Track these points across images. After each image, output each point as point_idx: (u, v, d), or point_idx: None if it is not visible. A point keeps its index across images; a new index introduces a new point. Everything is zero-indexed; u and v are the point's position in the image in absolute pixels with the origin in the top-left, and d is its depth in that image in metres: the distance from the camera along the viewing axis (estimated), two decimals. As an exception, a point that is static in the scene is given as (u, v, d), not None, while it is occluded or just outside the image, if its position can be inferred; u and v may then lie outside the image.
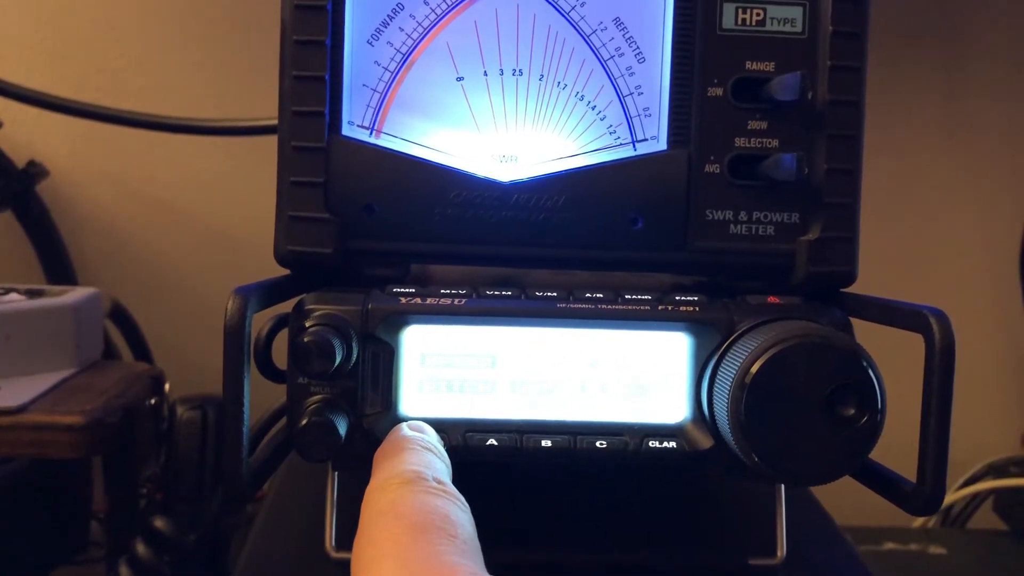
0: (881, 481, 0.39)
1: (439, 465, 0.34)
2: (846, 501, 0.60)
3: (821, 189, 0.43)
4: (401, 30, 0.44)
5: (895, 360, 0.46)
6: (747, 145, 0.44)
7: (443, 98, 0.44)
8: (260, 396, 0.39)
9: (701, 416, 0.40)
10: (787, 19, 0.44)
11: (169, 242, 0.93)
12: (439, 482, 0.32)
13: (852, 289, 0.44)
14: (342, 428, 0.38)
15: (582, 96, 0.44)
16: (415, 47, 0.44)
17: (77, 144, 0.91)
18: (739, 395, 0.36)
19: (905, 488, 0.38)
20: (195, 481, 0.64)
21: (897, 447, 0.41)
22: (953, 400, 0.36)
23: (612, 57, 0.44)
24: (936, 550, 0.78)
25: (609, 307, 0.40)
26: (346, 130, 0.43)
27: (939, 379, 0.36)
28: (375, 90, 0.44)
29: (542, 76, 0.44)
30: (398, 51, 0.44)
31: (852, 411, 0.36)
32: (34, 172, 0.86)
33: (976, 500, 0.89)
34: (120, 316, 0.82)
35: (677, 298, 0.41)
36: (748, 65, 0.44)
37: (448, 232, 0.43)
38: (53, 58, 0.90)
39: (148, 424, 0.66)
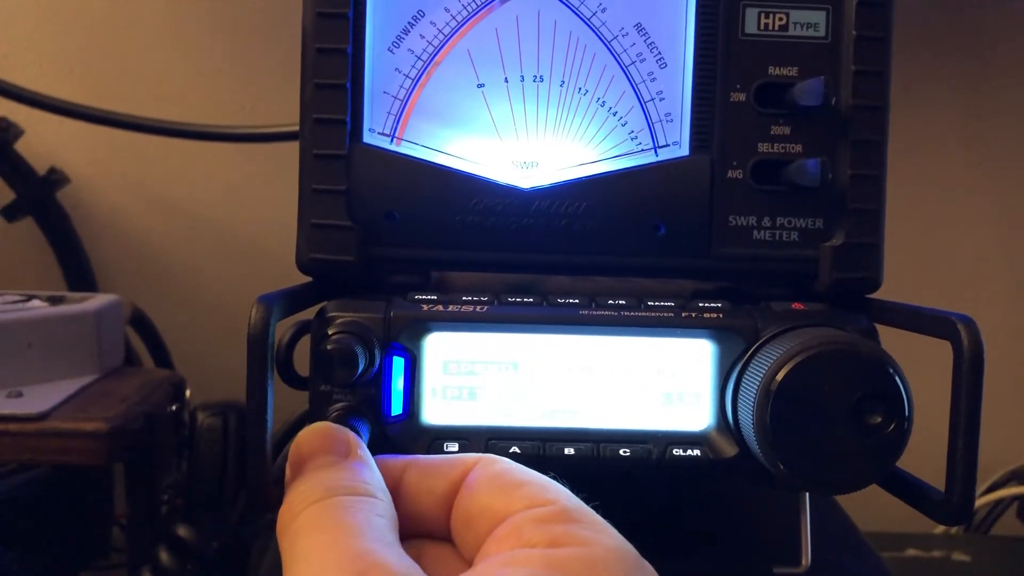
0: (908, 490, 0.39)
1: (335, 475, 0.32)
2: (867, 507, 0.59)
3: (845, 195, 0.43)
4: (422, 37, 0.44)
5: (921, 366, 0.45)
6: (770, 150, 0.43)
7: (464, 105, 0.44)
8: (280, 402, 0.39)
9: (725, 424, 0.40)
10: (810, 24, 0.43)
11: (189, 249, 0.93)
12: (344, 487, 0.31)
13: (876, 295, 0.44)
14: (364, 435, 0.38)
15: (603, 102, 0.44)
16: (436, 54, 0.44)
17: (97, 151, 0.91)
18: (764, 403, 0.36)
19: (933, 497, 0.37)
20: (216, 487, 0.64)
21: (923, 453, 0.41)
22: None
23: (633, 63, 0.44)
24: (959, 557, 0.78)
25: (632, 314, 0.40)
26: (367, 138, 0.43)
27: (968, 387, 0.36)
28: (396, 97, 0.44)
29: (563, 82, 0.44)
30: (419, 58, 0.44)
31: (879, 419, 0.36)
32: (55, 179, 0.87)
33: (1000, 506, 0.88)
34: (141, 322, 0.83)
35: (701, 305, 0.41)
36: (771, 70, 0.43)
37: (469, 239, 0.43)
38: (73, 66, 0.90)
39: (169, 431, 0.67)
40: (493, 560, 0.28)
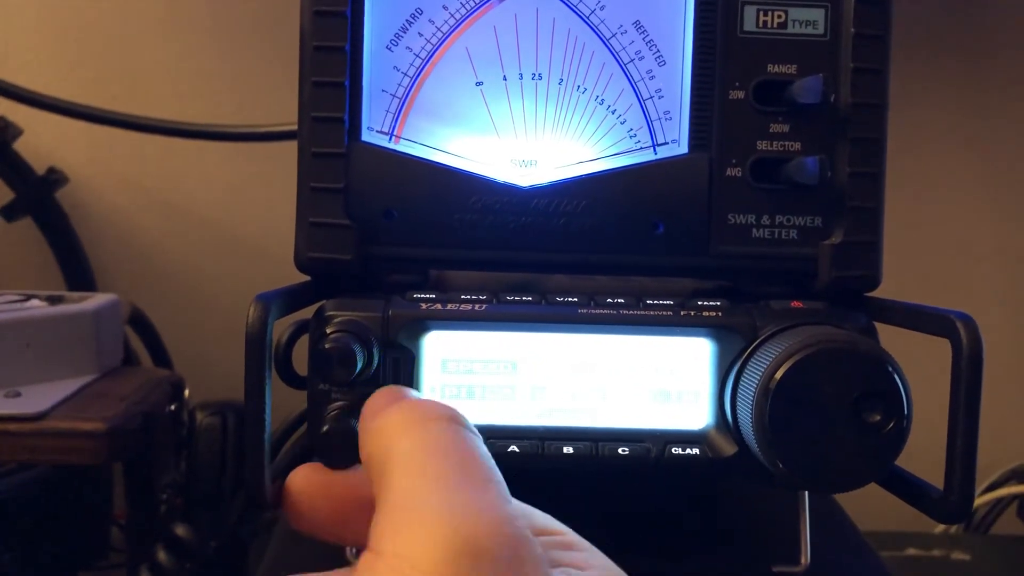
0: (907, 488, 0.39)
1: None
2: (867, 506, 0.59)
3: (844, 192, 0.43)
4: (420, 35, 0.44)
5: (920, 364, 0.45)
6: (769, 148, 0.43)
7: (462, 103, 0.44)
8: (279, 401, 0.39)
9: (724, 422, 0.40)
10: (809, 21, 0.43)
11: (188, 248, 0.93)
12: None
13: (875, 294, 0.44)
14: (363, 435, 0.38)
15: (602, 100, 0.44)
16: (434, 52, 0.44)
17: (96, 151, 0.91)
18: (763, 401, 0.36)
19: (932, 496, 0.37)
20: (215, 487, 0.64)
21: (922, 451, 0.41)
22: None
23: (632, 60, 0.44)
24: (959, 556, 0.78)
25: (631, 312, 0.40)
26: (366, 136, 0.43)
27: (966, 385, 0.36)
28: (394, 95, 0.44)
29: (562, 80, 0.44)
30: (417, 56, 0.44)
31: (878, 417, 0.36)
32: (54, 179, 0.87)
33: (1000, 505, 0.88)
34: (139, 322, 0.82)
35: (699, 303, 0.41)
36: (770, 68, 0.43)
37: (467, 237, 0.43)
38: (73, 66, 0.90)
39: (168, 430, 0.67)
40: None
